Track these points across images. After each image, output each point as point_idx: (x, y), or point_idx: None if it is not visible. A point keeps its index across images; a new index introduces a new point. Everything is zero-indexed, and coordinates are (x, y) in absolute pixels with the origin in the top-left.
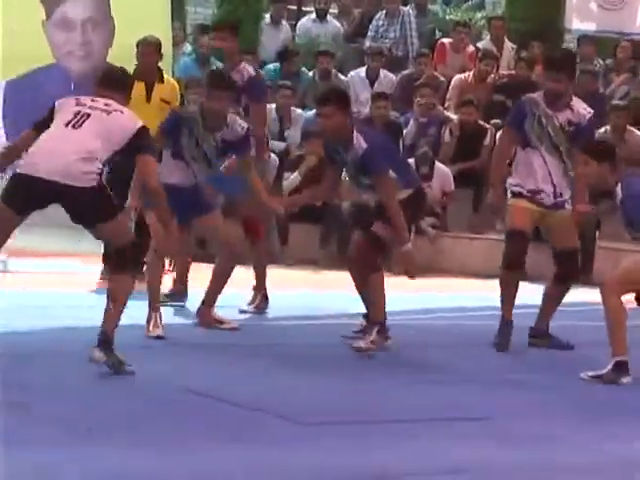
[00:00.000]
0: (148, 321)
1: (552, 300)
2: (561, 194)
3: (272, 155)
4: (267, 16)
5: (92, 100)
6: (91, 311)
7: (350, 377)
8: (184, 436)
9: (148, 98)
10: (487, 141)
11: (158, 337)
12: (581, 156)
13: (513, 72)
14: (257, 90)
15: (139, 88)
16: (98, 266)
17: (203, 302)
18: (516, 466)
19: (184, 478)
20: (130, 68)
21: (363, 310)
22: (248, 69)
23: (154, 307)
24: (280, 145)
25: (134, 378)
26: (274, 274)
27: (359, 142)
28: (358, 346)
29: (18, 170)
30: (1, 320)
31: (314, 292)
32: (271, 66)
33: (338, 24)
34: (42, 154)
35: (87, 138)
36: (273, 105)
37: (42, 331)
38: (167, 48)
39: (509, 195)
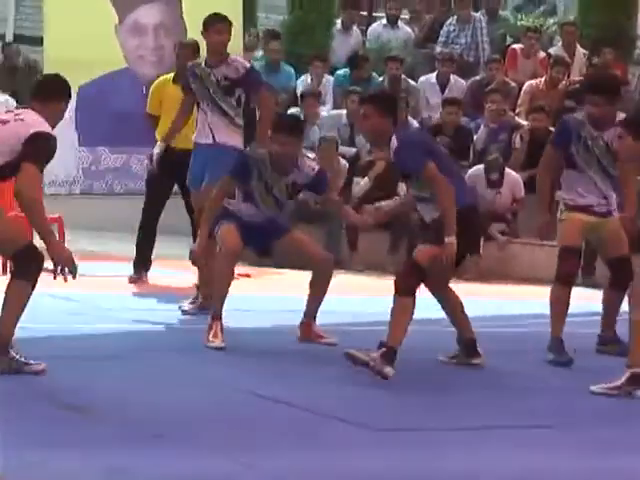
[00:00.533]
0: (208, 329)
1: (611, 307)
2: (611, 204)
3: (342, 160)
4: (338, 22)
5: (7, 112)
6: (152, 314)
7: (421, 383)
8: (254, 440)
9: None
10: None
11: (217, 348)
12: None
13: (583, 78)
14: (256, 79)
15: (176, 90)
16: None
17: (305, 315)
18: (588, 474)
19: None
20: None
21: (428, 315)
22: (240, 61)
23: (215, 316)
24: (350, 151)
25: (201, 382)
26: (342, 280)
27: (393, 144)
28: (346, 352)
29: None
30: (68, 322)
31: (382, 298)
32: (341, 72)
33: (409, 29)
34: None
35: None
36: (344, 111)
37: (104, 334)
38: (239, 52)
39: (561, 207)
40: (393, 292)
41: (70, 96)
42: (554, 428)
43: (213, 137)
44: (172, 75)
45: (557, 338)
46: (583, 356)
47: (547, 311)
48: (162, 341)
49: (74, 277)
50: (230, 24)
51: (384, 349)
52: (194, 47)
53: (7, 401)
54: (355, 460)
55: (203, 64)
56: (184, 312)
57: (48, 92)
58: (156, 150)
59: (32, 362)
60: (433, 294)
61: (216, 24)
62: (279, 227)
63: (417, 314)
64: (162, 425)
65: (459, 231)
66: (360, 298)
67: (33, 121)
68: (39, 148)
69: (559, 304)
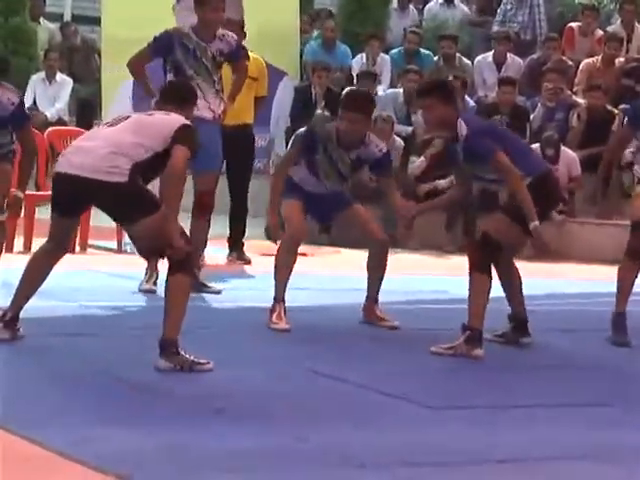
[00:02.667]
0: (272, 311)
1: None
2: None
3: (398, 139)
4: (394, 0)
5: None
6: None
7: (473, 362)
8: (311, 415)
9: None
10: (615, 126)
11: (281, 330)
12: None
13: None
14: (243, 51)
15: (225, 67)
16: (225, 249)
17: (367, 297)
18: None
19: (315, 456)
20: (260, 52)
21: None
22: (230, 34)
23: (278, 298)
24: (407, 129)
25: (260, 359)
26: (399, 258)
27: (461, 130)
28: (432, 350)
29: (55, 170)
30: (128, 300)
31: (438, 276)
32: (396, 50)
33: (466, 8)
34: (73, 151)
35: (118, 133)
36: (400, 90)
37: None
38: (295, 31)
39: (636, 181)
40: (468, 270)
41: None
42: (614, 406)
43: (213, 112)
44: None
45: (620, 314)
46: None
47: (605, 290)
48: (221, 318)
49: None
50: (223, 0)
51: (468, 332)
52: (241, 24)
53: (68, 377)
54: (410, 437)
55: (194, 37)
56: (143, 291)
57: (181, 98)
58: None
59: (202, 361)
60: (496, 267)
61: (212, 2)
62: (343, 199)
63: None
64: (222, 400)
65: (537, 199)
66: (417, 277)
67: (177, 116)
68: (189, 136)
69: (626, 280)
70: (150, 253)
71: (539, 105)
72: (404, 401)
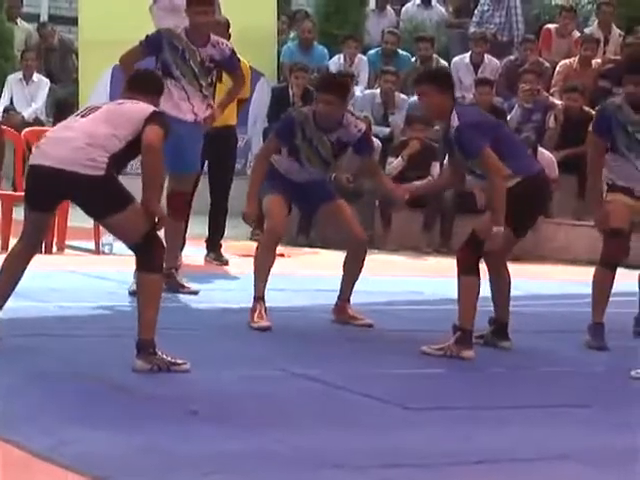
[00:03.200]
0: (252, 310)
1: None
2: None
3: (375, 140)
4: (372, 1)
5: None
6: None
7: (453, 363)
8: (287, 417)
9: (220, 78)
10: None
11: (263, 328)
12: None
13: (618, 57)
14: (237, 62)
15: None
16: (203, 249)
17: (340, 297)
18: (627, 452)
19: (292, 458)
20: (238, 53)
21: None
22: (224, 42)
23: (258, 297)
24: (384, 130)
25: (236, 360)
26: (376, 259)
27: (453, 122)
28: (422, 350)
29: (30, 162)
30: (106, 301)
31: (415, 278)
32: (373, 51)
33: (442, 9)
34: (48, 143)
35: (91, 124)
36: (377, 90)
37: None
38: (272, 33)
39: (605, 188)
40: (456, 272)
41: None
42: (591, 407)
43: (196, 116)
44: None
45: (597, 323)
46: (619, 337)
47: (582, 291)
48: (199, 319)
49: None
50: (213, 4)
51: (458, 333)
52: (227, 25)
53: (45, 378)
54: (388, 438)
55: (185, 39)
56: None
57: (150, 87)
58: None
59: (179, 361)
60: (488, 268)
61: (201, 5)
62: (328, 191)
63: (446, 293)
64: (198, 402)
65: (526, 200)
66: (394, 278)
67: (146, 104)
68: (160, 119)
69: (603, 288)
70: (135, 244)
71: (516, 106)
72: (382, 402)
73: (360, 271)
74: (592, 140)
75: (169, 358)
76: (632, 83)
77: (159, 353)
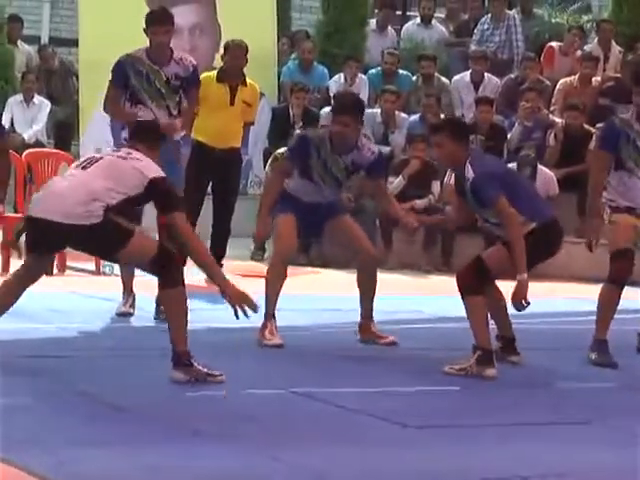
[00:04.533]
0: (263, 327)
1: None
2: None
3: None
4: (372, 21)
5: (114, 150)
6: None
7: (451, 380)
8: (291, 437)
9: (232, 101)
10: (592, 145)
11: (275, 345)
12: None
13: (618, 75)
14: (198, 77)
15: (223, 90)
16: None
17: (362, 315)
18: (620, 470)
19: (286, 478)
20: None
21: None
22: (188, 58)
23: (269, 314)
24: (384, 149)
25: (238, 379)
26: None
27: (469, 173)
28: (444, 370)
29: (28, 212)
30: (107, 321)
31: (415, 296)
32: (374, 71)
33: (443, 28)
34: (47, 195)
35: (91, 178)
36: (378, 110)
37: (143, 333)
38: (272, 53)
39: (607, 210)
40: (459, 293)
41: None
42: (594, 424)
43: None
44: (215, 73)
45: (602, 340)
46: (620, 353)
47: (583, 308)
48: (200, 339)
49: (255, 311)
50: (173, 23)
51: (478, 353)
52: (246, 49)
53: (46, 399)
54: (385, 456)
55: (147, 61)
56: (120, 315)
57: (150, 136)
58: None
59: (215, 373)
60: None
61: (162, 25)
62: (336, 207)
63: (446, 311)
64: (200, 421)
65: (540, 246)
66: (394, 296)
67: (148, 163)
68: (168, 194)
69: (609, 306)
70: (151, 268)
71: (516, 124)
72: (382, 420)
73: (375, 286)
74: (596, 156)
75: (205, 369)
76: (637, 94)
77: (195, 364)
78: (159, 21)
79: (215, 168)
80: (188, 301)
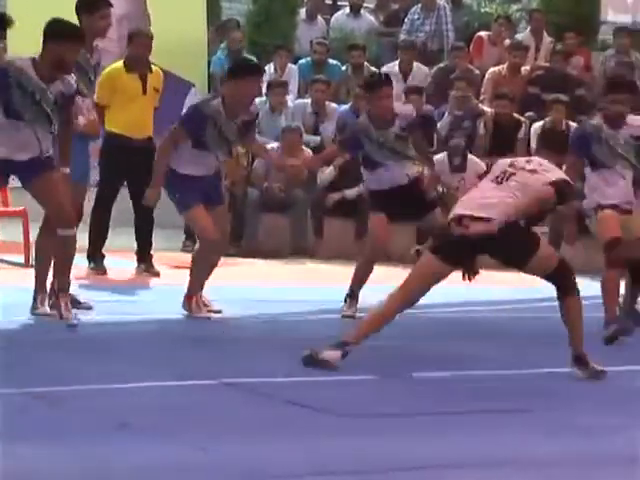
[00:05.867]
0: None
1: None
2: (633, 201)
3: (306, 149)
4: (302, 11)
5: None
6: (120, 305)
7: (381, 370)
8: (223, 427)
9: (144, 90)
10: (521, 134)
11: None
12: None
13: (548, 65)
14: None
15: (134, 80)
16: (133, 261)
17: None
18: (558, 457)
19: (220, 469)
20: (168, 63)
21: None
22: (71, 77)
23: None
24: (315, 139)
25: (166, 370)
26: (308, 268)
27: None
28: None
29: None
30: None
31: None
32: (304, 61)
33: (372, 18)
34: None
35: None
36: (308, 100)
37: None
38: (203, 43)
39: (589, 213)
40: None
41: None
42: (532, 412)
43: (40, 151)
44: (122, 64)
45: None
46: (562, 341)
47: (513, 297)
48: (127, 331)
49: None
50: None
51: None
52: (152, 37)
53: None
54: (319, 446)
55: (33, 73)
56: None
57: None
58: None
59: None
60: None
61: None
62: (220, 193)
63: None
64: (127, 414)
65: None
66: (327, 287)
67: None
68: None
69: (610, 289)
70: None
71: (446, 114)
72: (315, 410)
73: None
74: (569, 164)
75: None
76: (613, 102)
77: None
78: (63, 34)
79: (133, 159)
80: None
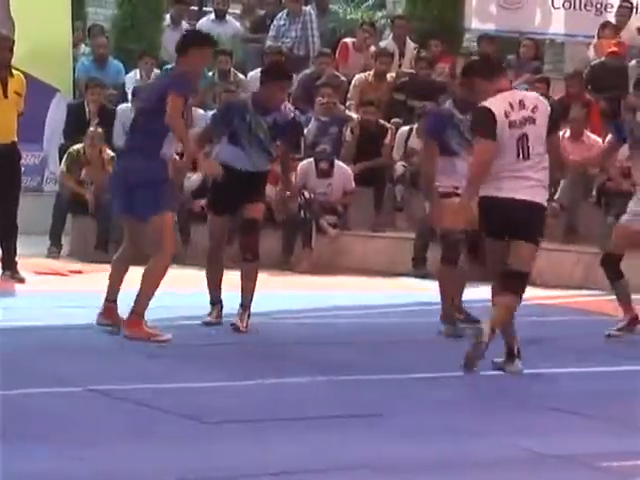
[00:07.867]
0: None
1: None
2: None
3: (176, 156)
4: (167, 17)
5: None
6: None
7: (248, 375)
8: (89, 435)
9: (5, 93)
10: (388, 140)
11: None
12: None
13: (413, 71)
14: None
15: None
16: None
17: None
18: (418, 461)
19: (85, 477)
20: (32, 68)
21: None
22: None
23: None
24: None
25: (38, 379)
26: (175, 274)
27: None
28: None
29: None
30: None
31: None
32: (169, 66)
33: (237, 24)
34: None
35: None
36: None
37: None
38: (67, 48)
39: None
40: None
41: None
42: (382, 416)
43: None
44: None
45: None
46: (418, 345)
47: (375, 302)
48: (12, 339)
49: None
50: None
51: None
52: (11, 41)
53: None
54: (186, 452)
55: None
56: None
57: None
58: None
59: None
60: None
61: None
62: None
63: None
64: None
65: None
66: (194, 293)
67: None
68: None
69: (448, 282)
70: None
71: (313, 119)
72: (180, 417)
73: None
74: (425, 145)
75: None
76: (466, 86)
77: None
78: None
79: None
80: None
